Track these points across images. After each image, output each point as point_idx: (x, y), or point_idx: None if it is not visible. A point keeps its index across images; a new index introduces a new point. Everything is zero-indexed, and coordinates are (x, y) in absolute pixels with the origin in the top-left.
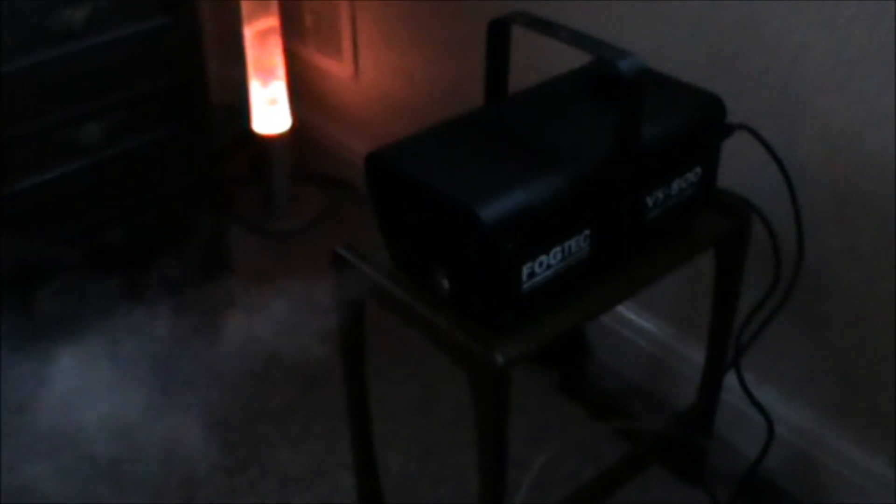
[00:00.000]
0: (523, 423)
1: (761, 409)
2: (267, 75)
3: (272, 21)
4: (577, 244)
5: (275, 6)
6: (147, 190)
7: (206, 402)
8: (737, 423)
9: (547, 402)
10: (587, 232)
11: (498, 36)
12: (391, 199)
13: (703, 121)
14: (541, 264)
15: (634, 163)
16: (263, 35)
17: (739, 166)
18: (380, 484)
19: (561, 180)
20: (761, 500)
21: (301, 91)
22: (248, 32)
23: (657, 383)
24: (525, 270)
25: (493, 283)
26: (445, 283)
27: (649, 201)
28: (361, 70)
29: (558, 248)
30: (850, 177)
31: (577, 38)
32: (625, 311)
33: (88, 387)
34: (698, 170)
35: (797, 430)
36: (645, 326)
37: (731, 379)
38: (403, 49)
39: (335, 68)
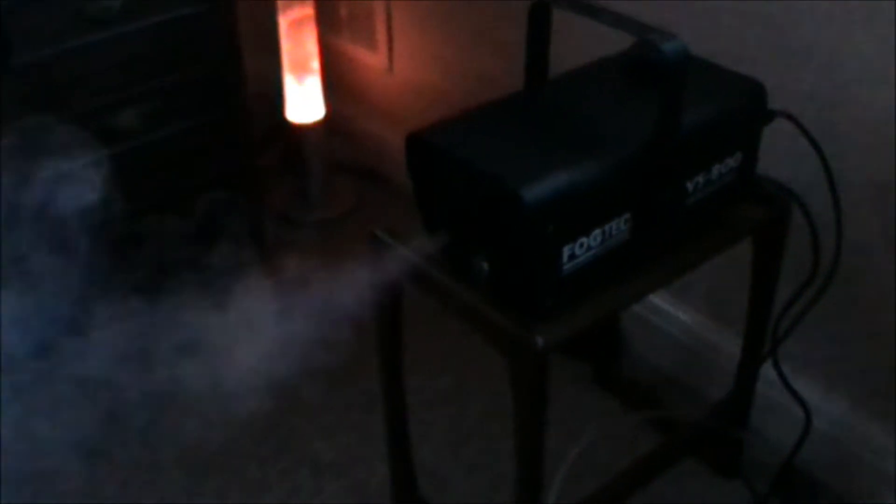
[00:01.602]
0: (557, 416)
1: (799, 398)
2: (301, 65)
3: (307, 10)
4: (618, 227)
5: None
6: (183, 179)
7: (237, 392)
8: (772, 415)
9: (581, 394)
10: (627, 215)
11: (539, 18)
12: (431, 181)
13: (745, 107)
14: (581, 246)
15: (675, 147)
16: (298, 25)
17: (779, 154)
18: (414, 472)
19: (602, 163)
20: (798, 492)
21: (335, 82)
22: (283, 22)
23: (692, 374)
24: (566, 252)
25: (533, 264)
26: (485, 266)
27: (689, 186)
28: (396, 61)
29: (598, 231)
30: (889, 164)
31: (619, 21)
32: (659, 301)
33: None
34: (739, 156)
35: (834, 421)
36: (679, 317)
37: (766, 370)
38: (438, 40)
39: (369, 59)
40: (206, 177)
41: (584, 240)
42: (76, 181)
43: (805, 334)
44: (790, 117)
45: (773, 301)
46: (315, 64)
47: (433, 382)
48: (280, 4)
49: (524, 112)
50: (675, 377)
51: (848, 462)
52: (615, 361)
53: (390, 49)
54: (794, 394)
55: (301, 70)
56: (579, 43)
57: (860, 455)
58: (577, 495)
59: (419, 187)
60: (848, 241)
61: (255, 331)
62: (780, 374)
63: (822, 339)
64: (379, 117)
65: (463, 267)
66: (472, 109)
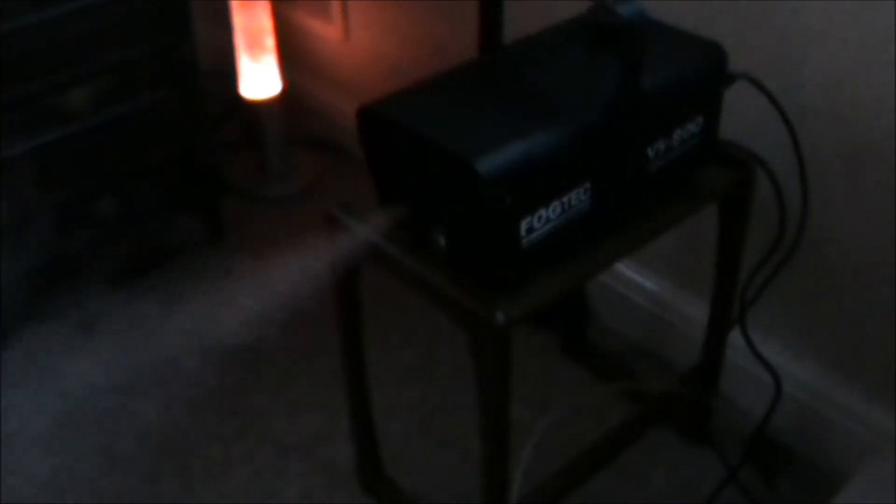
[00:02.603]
0: (525, 387)
1: (768, 365)
2: (255, 41)
3: None
4: (578, 197)
5: None
6: (139, 158)
7: (200, 370)
8: (741, 382)
9: (549, 365)
10: (588, 185)
11: None
12: (385, 155)
13: (704, 69)
14: (540, 218)
15: (635, 112)
16: None
17: (742, 117)
18: (379, 450)
19: (560, 131)
20: (770, 459)
21: (292, 54)
22: None
23: (660, 343)
24: (524, 225)
25: (492, 238)
26: (442, 241)
27: (651, 152)
28: (352, 31)
29: (558, 202)
30: (854, 126)
31: None
32: (625, 269)
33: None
34: (700, 119)
35: (804, 386)
36: (646, 285)
37: (734, 337)
38: (394, 9)
39: (325, 30)
40: (161, 155)
41: (543, 212)
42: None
43: (773, 300)
44: (751, 79)
45: (740, 267)
46: (269, 40)
47: (398, 356)
48: None
49: (479, 81)
50: (643, 345)
51: (819, 427)
52: (583, 331)
53: (346, 19)
54: (763, 361)
55: (255, 46)
56: (536, 7)
57: (831, 419)
58: (547, 468)
59: (373, 161)
60: (814, 204)
61: (214, 309)
62: (749, 341)
63: (791, 304)
64: (337, 89)
65: (421, 241)
66: (426, 79)
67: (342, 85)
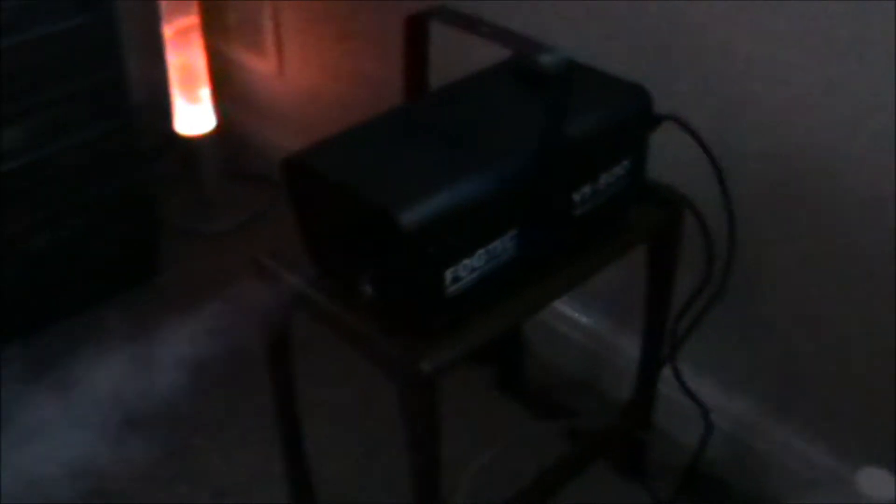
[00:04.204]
0: (461, 423)
1: (699, 402)
2: (189, 77)
3: (192, 20)
4: (503, 245)
5: (194, 5)
6: (73, 195)
7: (134, 411)
8: (678, 415)
9: (485, 400)
10: (513, 232)
11: (416, 31)
12: (310, 205)
13: (630, 113)
14: (465, 267)
15: (560, 159)
16: (184, 34)
17: (672, 158)
18: (313, 492)
19: (483, 180)
20: (705, 492)
21: (227, 88)
22: (168, 32)
23: (596, 377)
24: (449, 274)
25: (416, 288)
26: (369, 290)
27: (576, 197)
28: (286, 66)
29: (483, 250)
30: (782, 164)
31: (498, 34)
32: (560, 305)
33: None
34: (626, 163)
35: (738, 420)
36: (581, 321)
37: (669, 369)
38: (328, 44)
39: (260, 64)
40: (95, 192)
41: (468, 261)
42: None
43: (706, 334)
44: (677, 120)
45: (670, 305)
46: (203, 77)
47: (334, 392)
48: (164, 14)
49: (404, 128)
50: (580, 380)
51: (753, 460)
52: (520, 366)
53: (280, 54)
54: (693, 397)
55: (189, 82)
56: (464, 54)
57: (765, 452)
58: None
59: (298, 210)
60: (744, 241)
61: (148, 349)
62: (679, 379)
63: (723, 338)
64: (273, 123)
65: (349, 289)
66: (349, 128)
67: (278, 119)
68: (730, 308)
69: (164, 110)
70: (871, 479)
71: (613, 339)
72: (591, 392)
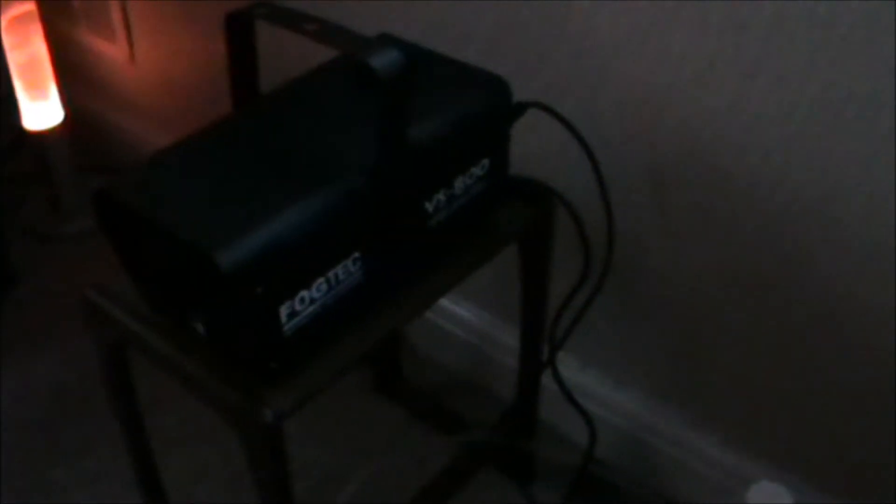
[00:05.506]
0: (336, 432)
1: (581, 410)
2: (30, 68)
3: (28, 6)
4: (346, 269)
5: None
6: None
7: None
8: (568, 413)
9: (362, 406)
10: (356, 254)
11: (239, 31)
12: (128, 240)
13: (485, 107)
14: (302, 300)
15: (403, 170)
16: (20, 22)
17: (540, 150)
18: None
19: (315, 203)
20: (598, 491)
21: (75, 77)
22: (3, 20)
23: (480, 374)
24: (284, 311)
25: (249, 329)
26: (201, 328)
27: (429, 206)
28: (137, 52)
29: (322, 279)
30: (657, 147)
31: (324, 33)
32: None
33: None
34: (485, 162)
35: (627, 414)
36: (461, 314)
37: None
38: (179, 28)
39: (109, 50)
40: None
41: (305, 293)
42: None
43: (590, 328)
44: (543, 107)
45: (547, 304)
46: (47, 65)
47: (199, 416)
48: None
49: (227, 148)
50: (462, 378)
51: (644, 454)
52: (397, 366)
53: (130, 39)
54: (575, 403)
55: (31, 73)
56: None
57: (655, 446)
58: None
59: (116, 247)
60: (622, 231)
61: (4, 372)
62: (560, 384)
63: (607, 332)
64: (126, 111)
65: (181, 328)
66: (168, 148)
67: (131, 107)
68: (610, 299)
69: (8, 104)
70: (766, 494)
71: (495, 333)
72: (476, 390)
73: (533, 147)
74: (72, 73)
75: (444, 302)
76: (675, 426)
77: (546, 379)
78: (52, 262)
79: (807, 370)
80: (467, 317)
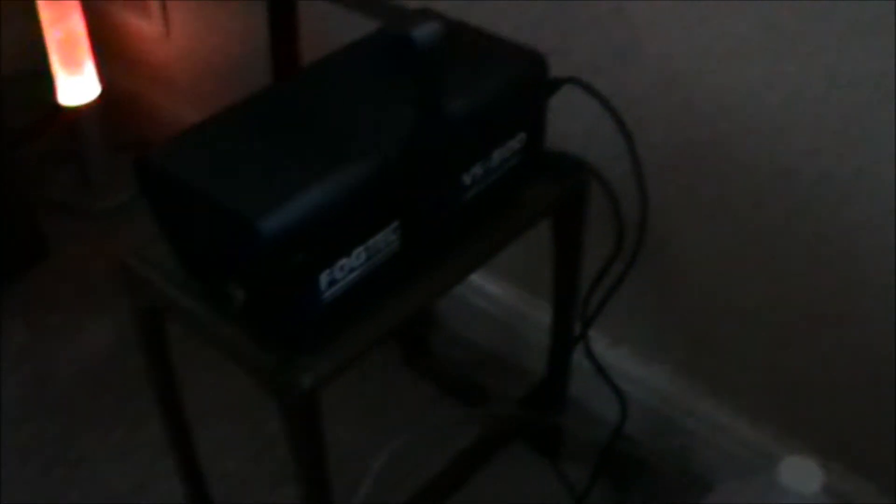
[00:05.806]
0: (364, 407)
1: (613, 385)
2: (67, 40)
3: None
4: (385, 239)
5: None
6: None
7: (19, 413)
8: (597, 390)
9: (390, 381)
10: (395, 224)
11: (281, 4)
12: (169, 207)
13: (522, 81)
14: (342, 269)
15: (441, 142)
16: None
17: (574, 125)
18: (206, 489)
19: (356, 172)
20: (622, 474)
21: (110, 53)
22: None
23: (510, 350)
24: (324, 279)
25: (288, 297)
26: (240, 296)
27: (466, 179)
28: (172, 27)
29: (362, 248)
30: (689, 123)
31: (364, 4)
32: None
33: None
34: (522, 135)
35: (655, 391)
36: (492, 291)
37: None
38: (215, 2)
39: (144, 27)
40: None
41: (344, 261)
42: None
43: (620, 305)
44: (579, 82)
45: (579, 280)
46: (84, 41)
47: (230, 384)
48: None
49: (267, 117)
50: (492, 354)
51: (671, 432)
52: (426, 342)
53: (165, 15)
54: (608, 380)
55: (67, 49)
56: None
57: (683, 424)
58: (391, 500)
59: (157, 213)
60: (654, 208)
61: (38, 343)
62: (593, 360)
63: (637, 309)
64: (161, 87)
65: (219, 295)
66: (209, 118)
67: (166, 83)
68: (641, 276)
69: (43, 78)
70: (796, 470)
71: (526, 309)
72: (505, 366)
73: (565, 124)
74: (107, 49)
75: (474, 278)
76: (703, 404)
77: (575, 355)
78: (82, 237)
79: (835, 350)
80: (497, 293)
